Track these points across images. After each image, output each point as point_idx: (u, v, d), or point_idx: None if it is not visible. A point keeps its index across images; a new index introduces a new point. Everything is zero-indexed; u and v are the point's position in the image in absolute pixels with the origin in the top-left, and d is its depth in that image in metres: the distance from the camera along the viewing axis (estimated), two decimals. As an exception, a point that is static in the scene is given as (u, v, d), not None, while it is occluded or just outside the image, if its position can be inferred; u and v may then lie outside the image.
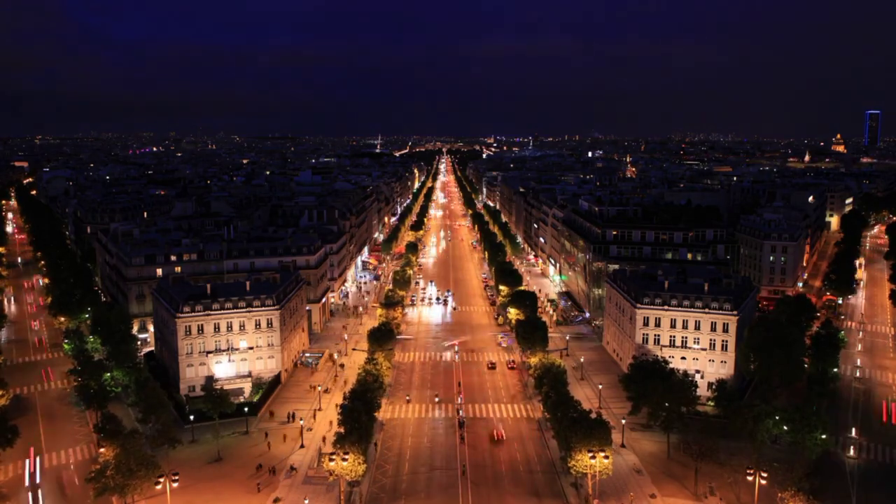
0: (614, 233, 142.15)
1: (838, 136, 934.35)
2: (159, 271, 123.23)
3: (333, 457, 73.55)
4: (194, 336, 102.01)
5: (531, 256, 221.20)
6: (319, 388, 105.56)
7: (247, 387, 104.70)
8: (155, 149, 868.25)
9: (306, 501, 74.77)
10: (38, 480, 80.00)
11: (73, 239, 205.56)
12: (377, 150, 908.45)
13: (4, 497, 75.35)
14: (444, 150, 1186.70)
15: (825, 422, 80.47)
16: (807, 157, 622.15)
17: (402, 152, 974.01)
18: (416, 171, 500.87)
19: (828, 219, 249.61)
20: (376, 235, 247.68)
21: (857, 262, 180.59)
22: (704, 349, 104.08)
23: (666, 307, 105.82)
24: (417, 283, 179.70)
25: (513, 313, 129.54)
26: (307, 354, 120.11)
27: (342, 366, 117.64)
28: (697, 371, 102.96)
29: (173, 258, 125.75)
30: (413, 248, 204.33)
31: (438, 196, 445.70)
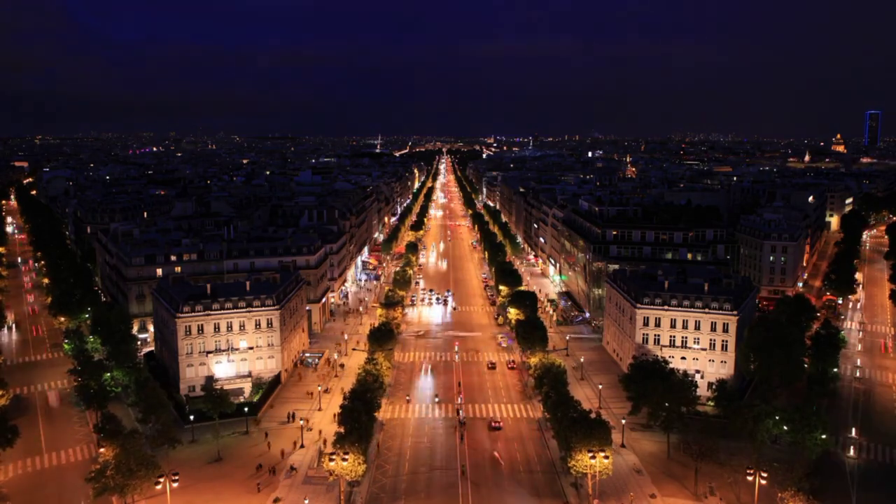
0: (614, 233, 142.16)
1: (838, 136, 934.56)
2: (159, 271, 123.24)
3: (333, 457, 73.56)
4: (194, 336, 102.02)
5: (531, 256, 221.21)
6: (320, 388, 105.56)
7: (247, 387, 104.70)
8: (155, 149, 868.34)
9: (306, 501, 74.77)
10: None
11: (73, 239, 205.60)
12: (377, 150, 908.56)
13: (4, 497, 75.35)
14: (444, 150, 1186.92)
15: (825, 422, 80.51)
16: (807, 157, 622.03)
17: (402, 152, 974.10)
18: (416, 171, 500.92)
19: (828, 219, 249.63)
20: (376, 235, 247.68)
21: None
22: (704, 349, 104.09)
23: (666, 307, 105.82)
24: (417, 283, 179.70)
25: (513, 313, 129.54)
26: (307, 354, 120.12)
27: (342, 366, 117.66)
28: (697, 371, 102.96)
29: (173, 258, 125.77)
30: (413, 248, 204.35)
31: (438, 196, 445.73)
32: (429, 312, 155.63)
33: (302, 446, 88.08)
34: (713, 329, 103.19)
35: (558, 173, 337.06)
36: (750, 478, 72.74)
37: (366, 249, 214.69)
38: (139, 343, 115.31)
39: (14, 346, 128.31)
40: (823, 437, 78.54)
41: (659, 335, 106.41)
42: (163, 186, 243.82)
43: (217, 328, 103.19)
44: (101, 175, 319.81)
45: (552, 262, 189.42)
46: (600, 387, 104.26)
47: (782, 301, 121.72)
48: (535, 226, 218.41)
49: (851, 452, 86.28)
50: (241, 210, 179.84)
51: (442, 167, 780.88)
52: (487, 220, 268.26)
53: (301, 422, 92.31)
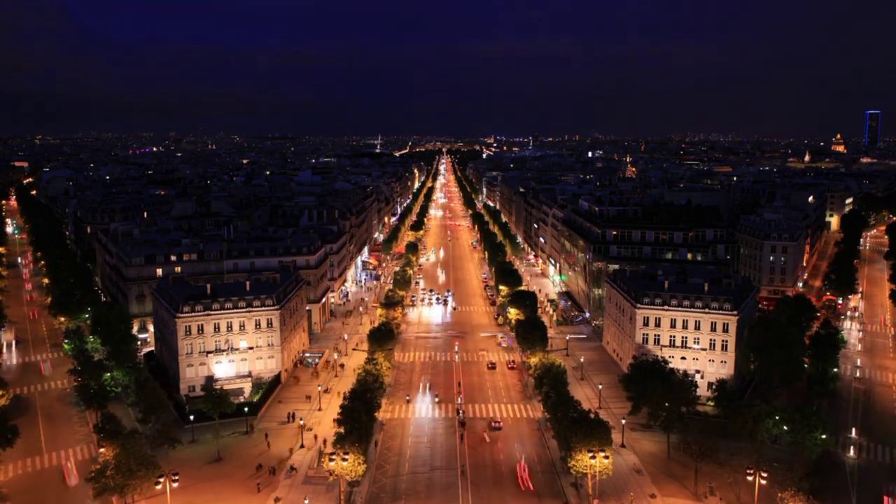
0: (614, 233, 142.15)
1: (838, 136, 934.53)
2: (159, 271, 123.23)
3: (333, 457, 73.56)
4: (194, 336, 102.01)
5: (531, 256, 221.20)
6: (319, 388, 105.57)
7: (247, 387, 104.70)
8: (155, 149, 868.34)
9: (306, 501, 74.77)
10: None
11: (73, 239, 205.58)
12: (377, 150, 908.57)
13: (4, 497, 75.35)
14: (444, 150, 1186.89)
15: (825, 422, 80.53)
16: (807, 157, 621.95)
17: (402, 152, 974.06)
18: (416, 171, 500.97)
19: (828, 219, 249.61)
20: (376, 235, 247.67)
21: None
22: (704, 349, 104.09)
23: (666, 307, 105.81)
24: (417, 283, 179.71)
25: (513, 313, 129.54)
26: (307, 354, 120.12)
27: (342, 366, 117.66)
28: (697, 371, 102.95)
29: (173, 258, 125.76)
30: (413, 248, 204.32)
31: (438, 196, 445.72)
32: (429, 312, 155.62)
33: (302, 446, 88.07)
34: (713, 329, 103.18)
35: (558, 173, 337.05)
36: (750, 478, 72.73)
37: (366, 249, 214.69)
38: (139, 343, 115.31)
39: (14, 346, 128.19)
40: (823, 437, 78.56)
41: (659, 335, 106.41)
42: (163, 186, 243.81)
43: (217, 328, 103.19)
44: (101, 175, 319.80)
45: (552, 262, 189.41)
46: (600, 387, 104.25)
47: (782, 301, 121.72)
48: (535, 226, 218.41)
49: (851, 452, 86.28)
50: (241, 210, 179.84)
51: (442, 167, 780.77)
52: (487, 220, 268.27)
53: (301, 422, 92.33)
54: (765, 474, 71.94)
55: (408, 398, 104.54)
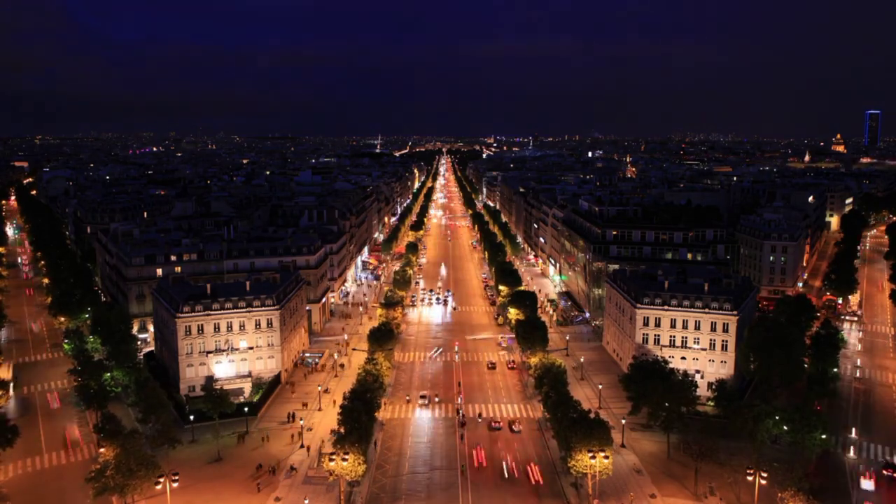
0: (614, 233, 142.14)
1: (838, 136, 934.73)
2: (159, 271, 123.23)
3: (333, 457, 73.56)
4: (194, 336, 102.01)
5: (531, 256, 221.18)
6: (319, 388, 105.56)
7: (247, 387, 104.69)
8: (155, 149, 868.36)
9: (306, 501, 74.77)
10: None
11: (73, 239, 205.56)
12: (377, 150, 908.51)
13: (4, 497, 75.35)
14: (444, 150, 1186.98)
15: (825, 422, 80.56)
16: (807, 157, 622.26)
17: (402, 152, 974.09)
18: (416, 171, 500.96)
19: (828, 219, 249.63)
20: (376, 235, 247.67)
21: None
22: (704, 349, 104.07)
23: (666, 307, 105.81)
24: (417, 283, 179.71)
25: (513, 313, 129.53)
26: (307, 354, 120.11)
27: (342, 366, 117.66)
28: (697, 371, 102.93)
29: (173, 258, 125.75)
30: (413, 248, 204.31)
31: (438, 196, 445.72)
32: (429, 312, 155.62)
33: (302, 446, 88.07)
34: (713, 329, 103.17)
35: (558, 173, 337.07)
36: (750, 478, 72.75)
37: (366, 249, 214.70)
38: (139, 343, 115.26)
39: (14, 346, 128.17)
40: (823, 437, 78.59)
41: (659, 335, 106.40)
42: (163, 186, 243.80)
43: (217, 328, 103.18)
44: (101, 175, 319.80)
45: (552, 262, 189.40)
46: (600, 387, 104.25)
47: (782, 301, 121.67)
48: (535, 226, 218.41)
49: (851, 452, 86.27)
50: (241, 210, 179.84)
51: (442, 167, 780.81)
52: (487, 220, 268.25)
53: (301, 422, 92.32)
54: (765, 474, 71.96)
55: (408, 398, 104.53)
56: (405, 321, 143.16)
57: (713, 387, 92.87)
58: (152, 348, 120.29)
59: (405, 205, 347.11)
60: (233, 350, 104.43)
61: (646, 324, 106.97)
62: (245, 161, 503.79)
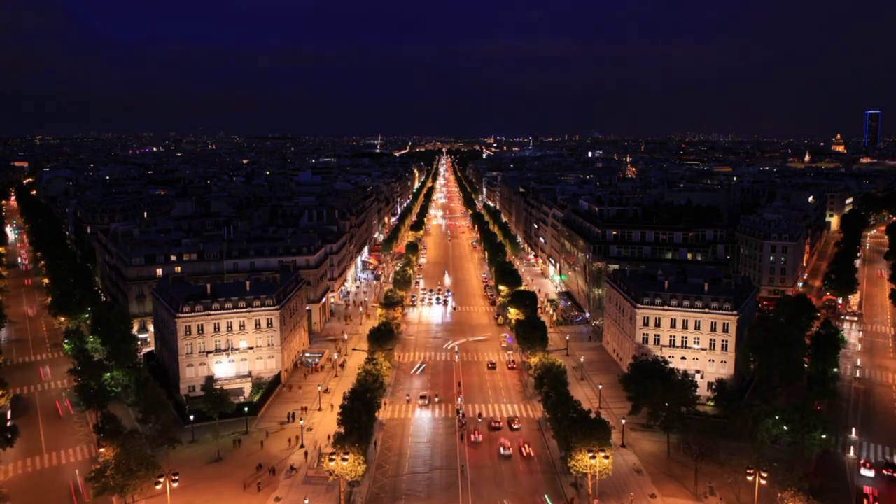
0: (614, 233, 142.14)
1: (838, 136, 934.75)
2: (159, 271, 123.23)
3: (333, 457, 73.56)
4: (194, 336, 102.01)
5: (531, 256, 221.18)
6: (319, 388, 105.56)
7: (247, 387, 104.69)
8: (155, 149, 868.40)
9: (306, 501, 74.77)
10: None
11: (73, 239, 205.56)
12: (377, 150, 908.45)
13: (4, 497, 75.37)
14: (444, 150, 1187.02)
15: (825, 422, 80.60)
16: (807, 157, 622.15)
17: (402, 152, 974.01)
18: (416, 171, 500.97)
19: (828, 219, 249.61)
20: (376, 235, 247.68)
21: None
22: (704, 349, 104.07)
23: (666, 307, 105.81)
24: (417, 283, 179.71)
25: (513, 313, 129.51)
26: (307, 354, 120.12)
27: (342, 366, 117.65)
28: (697, 371, 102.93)
29: (173, 258, 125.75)
30: (413, 248, 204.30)
31: (438, 196, 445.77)
32: (429, 312, 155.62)
33: (302, 446, 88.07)
34: (713, 329, 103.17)
35: (558, 173, 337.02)
36: (750, 478, 72.77)
37: (366, 249, 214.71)
38: (139, 343, 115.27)
39: (14, 346, 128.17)
40: (823, 437, 78.60)
41: (659, 335, 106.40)
42: (163, 186, 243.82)
43: (217, 328, 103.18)
44: (101, 175, 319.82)
45: (552, 262, 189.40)
46: (600, 387, 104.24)
47: (782, 301, 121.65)
48: (535, 226, 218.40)
49: (851, 452, 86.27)
50: (241, 210, 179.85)
51: (442, 167, 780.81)
52: (487, 220, 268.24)
53: (301, 422, 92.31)
54: (765, 474, 71.99)
55: (408, 398, 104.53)
56: (405, 321, 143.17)
57: (713, 387, 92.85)
58: (152, 348, 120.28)
59: (405, 205, 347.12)
60: (233, 350, 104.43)
61: (646, 324, 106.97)
62: (245, 161, 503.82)
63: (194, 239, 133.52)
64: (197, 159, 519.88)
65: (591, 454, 72.72)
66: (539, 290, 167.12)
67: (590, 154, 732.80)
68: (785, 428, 79.52)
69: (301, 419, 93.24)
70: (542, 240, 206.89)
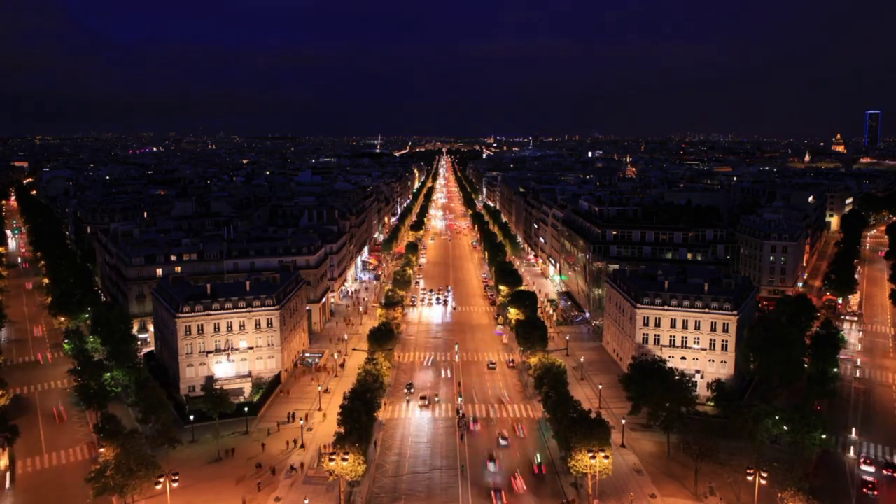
0: (614, 233, 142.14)
1: (838, 136, 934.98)
2: (159, 271, 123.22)
3: (333, 457, 73.56)
4: (194, 336, 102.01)
5: (531, 256, 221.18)
6: (320, 387, 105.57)
7: (247, 387, 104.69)
8: (155, 149, 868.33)
9: (306, 501, 74.77)
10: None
11: (73, 239, 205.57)
12: (377, 150, 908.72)
13: (5, 497, 75.41)
14: (444, 150, 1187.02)
15: (825, 422, 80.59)
16: (807, 157, 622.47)
17: (402, 152, 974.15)
18: (416, 171, 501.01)
19: (828, 219, 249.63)
20: (376, 235, 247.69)
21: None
22: (704, 349, 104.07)
23: (666, 307, 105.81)
24: (417, 283, 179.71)
25: (513, 313, 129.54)
26: (307, 354, 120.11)
27: (342, 366, 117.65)
28: (697, 371, 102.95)
29: (173, 258, 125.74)
30: (413, 248, 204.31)
31: (438, 196, 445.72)
32: (429, 312, 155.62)
33: (302, 446, 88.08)
34: (713, 329, 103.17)
35: (558, 173, 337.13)
36: (750, 478, 72.76)
37: (366, 249, 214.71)
38: (139, 343, 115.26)
39: (14, 346, 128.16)
40: (823, 437, 78.60)
41: (659, 335, 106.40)
42: (163, 186, 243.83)
43: (217, 328, 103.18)
44: (101, 175, 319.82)
45: (552, 262, 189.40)
46: (600, 387, 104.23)
47: (782, 301, 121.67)
48: (535, 226, 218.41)
49: (851, 452, 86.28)
50: (241, 210, 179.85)
51: (442, 167, 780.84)
52: (487, 220, 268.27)
53: (301, 422, 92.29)
54: (765, 474, 71.98)
55: (408, 398, 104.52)
56: (405, 321, 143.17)
57: (713, 387, 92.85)
58: (152, 348, 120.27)
59: (405, 205, 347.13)
60: (233, 350, 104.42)
61: (646, 324, 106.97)
62: (245, 161, 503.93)
63: (194, 239, 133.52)
64: (197, 159, 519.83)
65: (591, 454, 72.72)
66: (539, 290, 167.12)
67: (590, 154, 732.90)
68: (785, 428, 79.52)
69: (301, 419, 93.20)
70: (542, 240, 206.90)
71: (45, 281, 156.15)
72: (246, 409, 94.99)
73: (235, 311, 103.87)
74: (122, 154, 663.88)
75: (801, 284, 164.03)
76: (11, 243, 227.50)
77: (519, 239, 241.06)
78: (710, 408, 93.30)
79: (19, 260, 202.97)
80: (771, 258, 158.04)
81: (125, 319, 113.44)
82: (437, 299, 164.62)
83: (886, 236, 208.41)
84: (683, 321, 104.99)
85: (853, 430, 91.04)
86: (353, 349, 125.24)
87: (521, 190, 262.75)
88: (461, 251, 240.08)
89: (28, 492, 77.96)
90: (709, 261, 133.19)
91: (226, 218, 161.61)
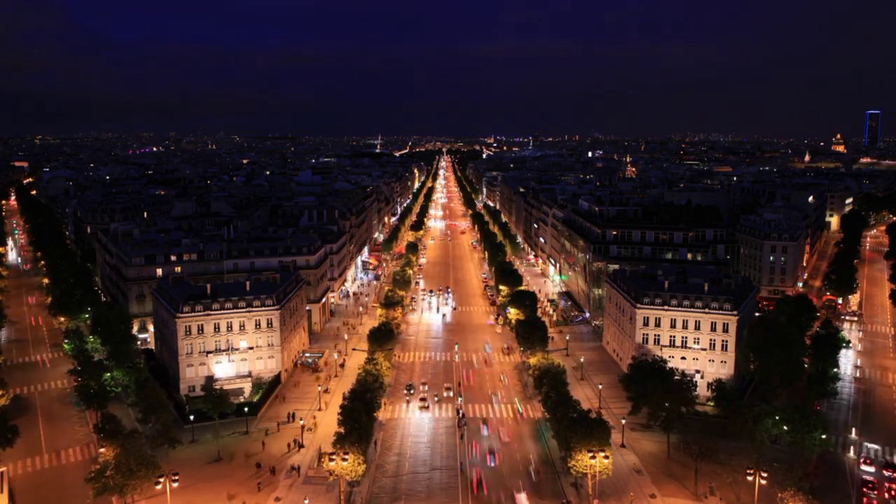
0: (614, 233, 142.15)
1: (838, 136, 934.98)
2: (159, 271, 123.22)
3: (333, 457, 73.57)
4: (194, 336, 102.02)
5: (531, 256, 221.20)
6: (320, 387, 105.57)
7: (247, 387, 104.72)
8: (155, 149, 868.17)
9: (306, 501, 74.78)
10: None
11: (73, 239, 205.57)
12: (377, 150, 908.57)
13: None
14: (444, 150, 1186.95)
15: (825, 422, 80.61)
16: (807, 157, 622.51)
17: (402, 152, 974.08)
18: (416, 171, 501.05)
19: (828, 219, 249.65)
20: (376, 235, 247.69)
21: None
22: (704, 349, 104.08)
23: (666, 307, 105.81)
24: (417, 283, 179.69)
25: (513, 313, 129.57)
26: (307, 354, 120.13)
27: (342, 366, 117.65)
28: (697, 371, 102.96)
29: (173, 258, 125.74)
30: (413, 248, 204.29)
31: (438, 196, 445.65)
32: (429, 312, 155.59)
33: (302, 446, 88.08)
34: (713, 329, 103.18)
35: (558, 173, 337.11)
36: (750, 478, 72.77)
37: (366, 249, 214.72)
38: (139, 343, 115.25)
39: (14, 346, 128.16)
40: (823, 437, 78.60)
41: (659, 335, 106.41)
42: (163, 186, 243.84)
43: (217, 328, 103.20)
44: (101, 175, 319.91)
45: (552, 262, 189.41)
46: (600, 387, 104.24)
47: (782, 301, 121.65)
48: (535, 226, 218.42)
49: (851, 452, 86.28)
50: (241, 210, 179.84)
51: (442, 167, 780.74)
52: (487, 220, 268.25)
53: (301, 422, 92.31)
54: (765, 474, 71.99)
55: (408, 398, 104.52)
56: (405, 321, 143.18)
57: (713, 387, 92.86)
58: (152, 348, 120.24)
59: (405, 205, 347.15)
60: (233, 350, 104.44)
61: (646, 324, 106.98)
62: (245, 161, 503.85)
63: (194, 239, 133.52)
64: (197, 159, 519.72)
65: (591, 454, 72.74)
66: (539, 290, 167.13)
67: (590, 154, 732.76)
68: (785, 428, 79.50)
69: (301, 419, 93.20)
70: (542, 240, 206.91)
71: (45, 281, 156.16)
72: (246, 409, 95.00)
73: (235, 311, 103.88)
74: (122, 154, 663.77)
75: (801, 284, 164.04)
76: (11, 243, 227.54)
77: (519, 239, 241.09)
78: (710, 408, 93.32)
79: (19, 260, 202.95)
80: (771, 258, 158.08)
81: (125, 319, 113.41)
82: (437, 299, 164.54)
83: (886, 236, 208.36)
84: (683, 321, 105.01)
85: (853, 430, 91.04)
86: (353, 349, 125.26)
87: (521, 190, 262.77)
88: (461, 251, 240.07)
89: (28, 492, 77.92)
90: (709, 261, 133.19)
91: (226, 218, 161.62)
